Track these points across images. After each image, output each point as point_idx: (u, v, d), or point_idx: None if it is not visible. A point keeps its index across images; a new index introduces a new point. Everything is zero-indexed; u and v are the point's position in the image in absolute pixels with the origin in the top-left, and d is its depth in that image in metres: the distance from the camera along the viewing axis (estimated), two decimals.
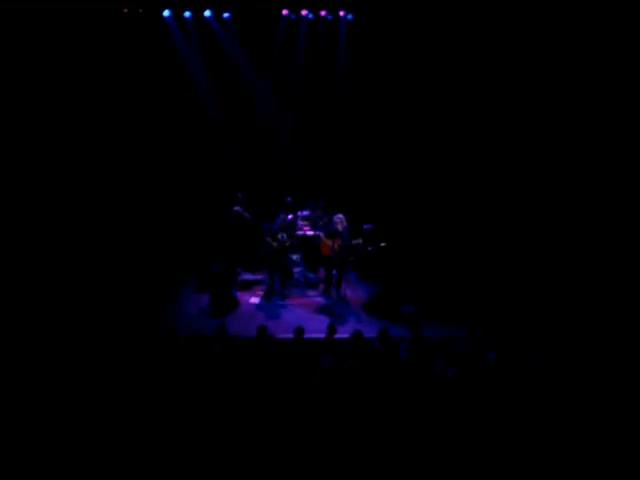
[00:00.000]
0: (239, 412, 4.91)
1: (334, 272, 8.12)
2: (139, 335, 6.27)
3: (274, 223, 8.06)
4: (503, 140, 8.92)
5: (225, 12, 9.04)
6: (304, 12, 9.06)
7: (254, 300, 8.13)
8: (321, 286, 8.42)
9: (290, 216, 8.70)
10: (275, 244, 7.87)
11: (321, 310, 7.78)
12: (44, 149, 8.36)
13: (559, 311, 7.19)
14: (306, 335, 6.14)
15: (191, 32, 9.20)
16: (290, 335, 5.88)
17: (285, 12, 9.04)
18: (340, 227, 7.82)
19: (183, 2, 8.90)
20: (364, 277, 8.82)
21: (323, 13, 9.06)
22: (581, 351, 6.09)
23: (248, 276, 8.79)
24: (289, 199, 8.99)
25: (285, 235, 7.94)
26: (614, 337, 6.43)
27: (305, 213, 8.93)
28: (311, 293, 8.38)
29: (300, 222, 8.79)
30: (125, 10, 8.67)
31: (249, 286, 8.52)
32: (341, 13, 9.11)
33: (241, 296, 8.16)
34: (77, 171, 8.71)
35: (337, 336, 5.99)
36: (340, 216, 7.91)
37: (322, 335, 6.04)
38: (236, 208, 8.70)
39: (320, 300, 8.13)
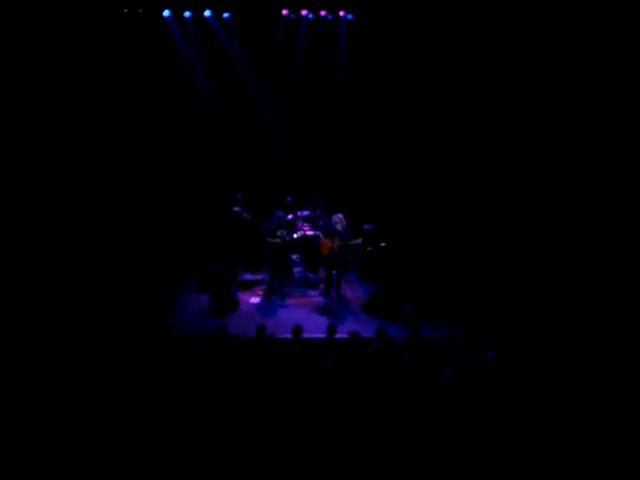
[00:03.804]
0: (239, 412, 4.91)
1: (334, 272, 8.12)
2: (139, 335, 6.27)
3: (271, 221, 8.06)
4: (503, 140, 8.93)
5: (225, 12, 9.04)
6: (304, 12, 9.05)
7: (254, 300, 8.13)
8: (321, 286, 8.42)
9: (290, 216, 8.70)
10: (275, 241, 7.85)
11: (321, 310, 7.78)
12: (45, 149, 8.38)
13: (558, 310, 7.19)
14: (306, 335, 6.15)
15: (191, 32, 9.21)
16: (290, 335, 5.88)
17: (285, 12, 9.03)
18: (339, 227, 7.82)
19: (183, 2, 8.90)
20: (364, 277, 8.81)
21: (323, 13, 9.05)
22: (580, 350, 6.10)
23: (248, 276, 8.79)
24: (289, 199, 8.99)
25: (284, 232, 7.93)
26: (614, 336, 6.43)
27: (305, 213, 8.92)
28: (311, 293, 8.37)
29: (300, 222, 8.78)
30: (125, 10, 8.67)
31: (249, 286, 8.52)
32: (341, 13, 9.10)
33: (241, 296, 8.15)
34: (77, 171, 8.73)
35: (337, 336, 6.00)
36: (339, 216, 7.90)
37: (322, 335, 6.04)
38: (236, 209, 8.70)
39: (320, 300, 8.12)
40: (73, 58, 8.45)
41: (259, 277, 8.68)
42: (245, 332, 6.29)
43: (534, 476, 4.49)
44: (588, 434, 4.79)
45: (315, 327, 6.68)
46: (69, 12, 8.15)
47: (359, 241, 7.91)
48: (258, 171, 9.86)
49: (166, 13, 8.92)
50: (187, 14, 8.98)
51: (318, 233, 8.34)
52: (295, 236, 8.16)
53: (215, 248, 8.92)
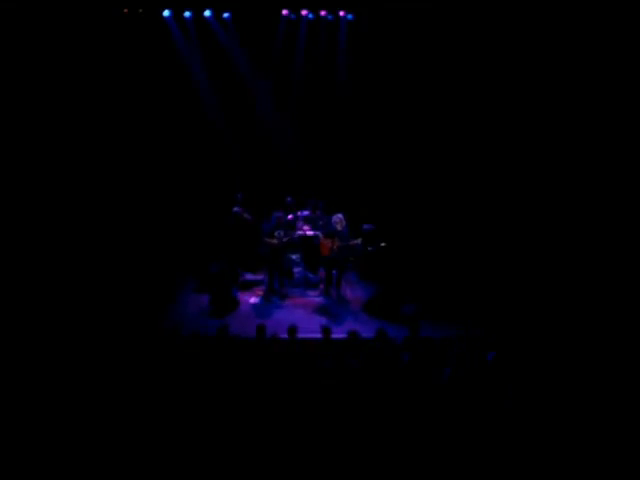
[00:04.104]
0: (239, 412, 4.91)
1: (334, 272, 8.11)
2: (139, 335, 6.27)
3: (269, 221, 8.06)
4: (502, 140, 8.93)
5: (225, 12, 9.04)
6: (304, 12, 9.05)
7: (254, 300, 8.14)
8: (321, 286, 8.41)
9: (290, 216, 8.70)
10: (272, 242, 7.85)
11: (321, 310, 7.78)
12: (44, 149, 8.38)
13: (558, 310, 7.19)
14: (305, 335, 6.16)
15: (191, 32, 9.21)
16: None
17: (285, 12, 9.03)
18: (339, 227, 7.81)
19: (183, 2, 8.90)
20: (364, 277, 8.81)
21: (323, 13, 9.05)
22: (580, 350, 6.10)
23: (249, 276, 8.78)
24: (289, 199, 8.99)
25: (282, 232, 7.92)
26: (614, 335, 6.43)
27: (305, 213, 8.91)
28: (311, 293, 8.37)
29: (300, 222, 8.78)
30: (125, 10, 8.68)
31: (249, 286, 8.52)
32: (341, 13, 9.11)
33: (241, 296, 8.15)
34: (77, 171, 8.73)
35: (336, 336, 6.00)
36: (339, 216, 7.90)
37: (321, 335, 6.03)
38: (236, 209, 8.69)
39: (320, 300, 8.12)
40: (73, 58, 8.45)
41: (259, 277, 8.68)
42: (245, 332, 6.29)
43: (534, 476, 4.50)
44: (588, 434, 4.79)
45: (315, 327, 6.66)
46: (69, 12, 8.16)
47: (359, 241, 7.90)
48: (258, 171, 9.86)
49: (166, 13, 8.92)
50: (187, 14, 8.99)
51: (318, 233, 8.33)
52: (294, 237, 8.15)
53: (215, 248, 8.92)
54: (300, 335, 5.98)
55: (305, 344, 5.87)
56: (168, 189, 9.60)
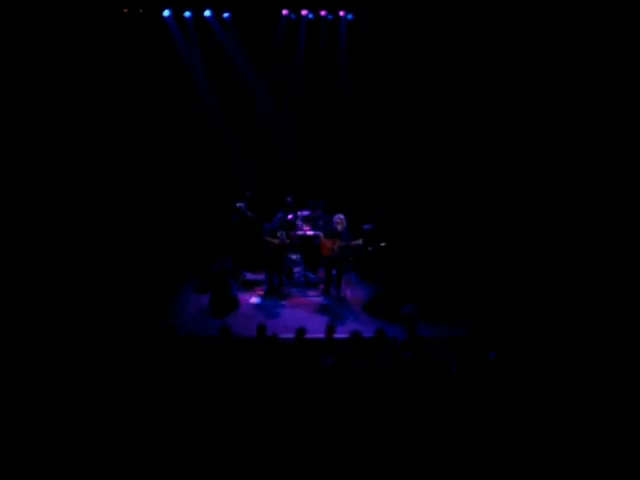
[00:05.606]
0: (240, 412, 4.91)
1: (334, 272, 8.12)
2: (139, 335, 6.28)
3: (272, 222, 8.06)
4: (502, 141, 8.94)
5: (225, 12, 9.06)
6: (304, 12, 9.07)
7: (254, 300, 8.14)
8: (321, 286, 8.42)
9: (290, 216, 8.70)
10: (273, 241, 7.86)
11: (321, 310, 7.79)
12: (45, 149, 8.39)
13: (558, 311, 7.20)
14: (306, 335, 6.14)
15: (191, 32, 9.21)
16: (290, 335, 5.89)
17: (285, 12, 9.06)
18: (340, 227, 7.81)
19: (183, 2, 8.91)
20: (364, 277, 8.82)
21: (323, 13, 9.07)
22: (580, 350, 6.10)
23: (249, 276, 8.79)
24: (289, 199, 8.99)
25: (284, 233, 7.93)
26: (613, 336, 6.44)
27: (305, 213, 8.91)
28: (311, 293, 8.37)
29: (300, 222, 8.78)
30: (125, 10, 8.68)
31: (250, 286, 8.53)
32: (341, 13, 9.13)
33: (241, 296, 8.15)
34: (78, 171, 8.74)
35: (337, 336, 6.00)
36: (340, 216, 7.89)
37: (322, 335, 6.05)
38: (239, 204, 8.64)
39: (320, 300, 8.13)
40: (73, 58, 8.46)
41: (260, 277, 8.68)
42: (245, 332, 6.29)
43: (535, 474, 4.50)
44: (588, 433, 4.80)
45: (315, 327, 6.67)
46: (69, 12, 8.16)
47: (360, 241, 7.90)
48: (258, 171, 9.86)
49: (166, 13, 8.93)
50: (187, 14, 9.00)
51: (318, 233, 8.33)
52: (294, 237, 8.16)
53: (217, 247, 8.93)
54: None
55: (305, 344, 5.87)
56: (169, 189, 9.61)
